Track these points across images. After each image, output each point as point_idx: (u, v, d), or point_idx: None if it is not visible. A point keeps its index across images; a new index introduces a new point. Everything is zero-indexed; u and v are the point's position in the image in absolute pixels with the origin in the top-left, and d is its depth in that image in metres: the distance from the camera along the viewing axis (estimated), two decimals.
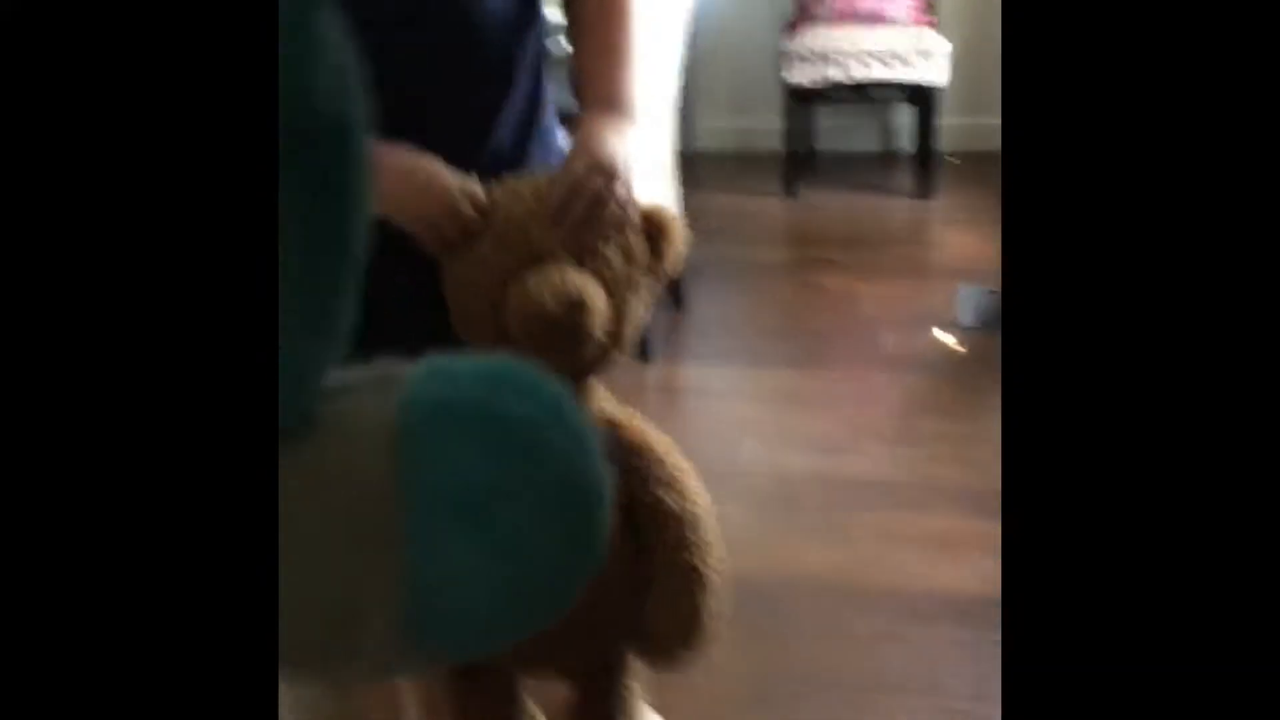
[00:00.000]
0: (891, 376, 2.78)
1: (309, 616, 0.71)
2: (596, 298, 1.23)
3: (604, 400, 1.37)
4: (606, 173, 1.24)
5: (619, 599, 1.30)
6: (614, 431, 1.36)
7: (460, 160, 1.27)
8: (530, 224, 1.24)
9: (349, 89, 0.66)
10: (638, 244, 1.29)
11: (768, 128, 4.15)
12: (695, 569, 1.33)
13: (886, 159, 4.27)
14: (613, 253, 1.26)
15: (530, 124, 1.40)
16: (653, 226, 1.31)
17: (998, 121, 4.02)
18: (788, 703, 1.80)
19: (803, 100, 3.95)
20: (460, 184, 1.25)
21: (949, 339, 2.91)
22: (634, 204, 1.27)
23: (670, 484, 1.36)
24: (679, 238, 1.33)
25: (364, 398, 0.73)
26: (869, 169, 4.19)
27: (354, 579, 0.70)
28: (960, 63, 3.87)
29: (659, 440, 1.38)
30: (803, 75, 3.76)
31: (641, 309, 1.32)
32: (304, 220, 0.65)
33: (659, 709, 1.63)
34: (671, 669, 1.32)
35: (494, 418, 0.70)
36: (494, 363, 0.75)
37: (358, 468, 0.70)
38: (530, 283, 1.22)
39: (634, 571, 1.29)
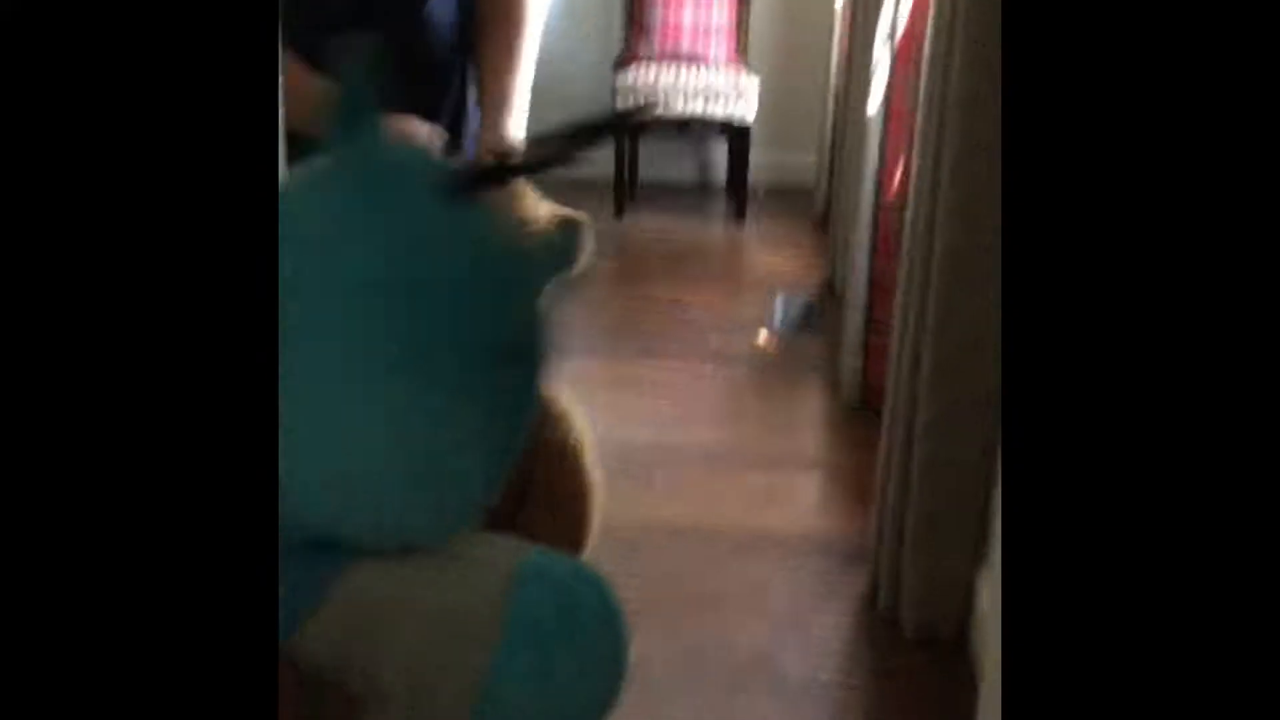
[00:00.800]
0: (715, 368, 3.24)
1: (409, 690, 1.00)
2: None
3: None
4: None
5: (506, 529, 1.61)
6: None
7: None
8: None
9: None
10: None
11: (598, 156, 4.58)
12: (574, 494, 1.66)
13: (704, 188, 4.76)
14: None
15: (460, 115, 1.78)
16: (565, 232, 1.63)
17: (797, 157, 4.53)
18: (635, 614, 2.19)
19: (630, 132, 4.39)
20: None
21: (763, 338, 3.38)
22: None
23: (559, 419, 1.70)
24: (587, 244, 1.64)
25: (494, 547, 1.07)
26: (688, 197, 4.66)
27: (446, 671, 0.99)
28: (764, 103, 4.38)
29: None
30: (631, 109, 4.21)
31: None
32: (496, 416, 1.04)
33: None
34: None
35: (580, 603, 1.06)
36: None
37: (478, 598, 1.00)
38: None
39: (518, 493, 1.51)
